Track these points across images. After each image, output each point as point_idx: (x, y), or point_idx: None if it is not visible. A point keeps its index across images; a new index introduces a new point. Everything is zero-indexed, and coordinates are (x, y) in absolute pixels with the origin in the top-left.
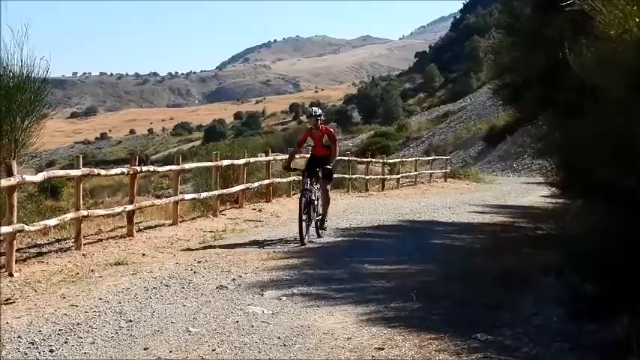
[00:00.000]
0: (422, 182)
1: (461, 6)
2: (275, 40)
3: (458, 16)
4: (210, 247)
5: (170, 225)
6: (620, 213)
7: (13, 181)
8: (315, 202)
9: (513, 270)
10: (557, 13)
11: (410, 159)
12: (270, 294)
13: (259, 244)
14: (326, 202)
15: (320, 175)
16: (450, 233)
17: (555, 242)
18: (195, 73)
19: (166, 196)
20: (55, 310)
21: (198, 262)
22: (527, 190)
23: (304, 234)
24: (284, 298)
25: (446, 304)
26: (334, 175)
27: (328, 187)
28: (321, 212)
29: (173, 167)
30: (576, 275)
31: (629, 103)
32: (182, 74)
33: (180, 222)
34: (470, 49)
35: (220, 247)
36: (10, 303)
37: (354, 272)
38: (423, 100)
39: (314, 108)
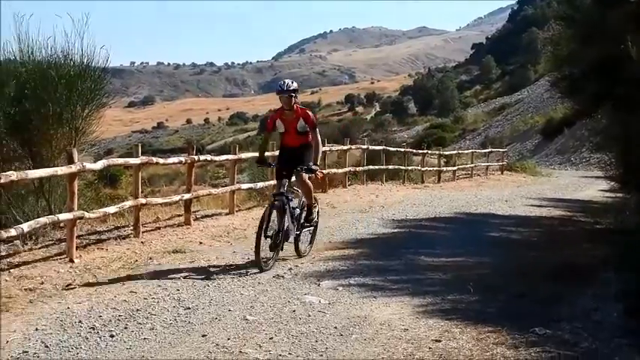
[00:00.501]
0: (478, 175)
1: None
2: (331, 31)
3: (515, 8)
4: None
5: (227, 214)
6: None
7: (74, 168)
8: (297, 212)
9: (571, 264)
10: (618, 5)
11: (466, 151)
12: (326, 284)
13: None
14: (307, 190)
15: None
16: (506, 226)
17: (614, 237)
18: (251, 63)
19: (222, 186)
20: (115, 297)
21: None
22: (585, 183)
23: (269, 255)
24: (340, 289)
25: (503, 297)
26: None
27: (306, 177)
28: (305, 205)
29: (230, 157)
30: (634, 271)
31: None
32: (238, 64)
33: (236, 211)
34: (527, 41)
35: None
36: (71, 288)
37: (410, 264)
38: (479, 92)
39: (286, 80)
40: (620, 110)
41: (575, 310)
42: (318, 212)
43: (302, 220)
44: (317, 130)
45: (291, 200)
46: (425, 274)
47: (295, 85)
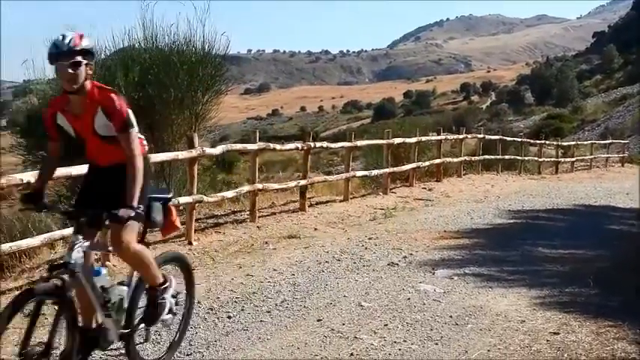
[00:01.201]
0: (597, 166)
1: None
2: (447, 19)
3: None
4: (381, 224)
5: (341, 201)
6: None
7: (194, 153)
8: (122, 292)
9: None
10: None
11: (585, 142)
12: (441, 273)
13: None
14: (137, 262)
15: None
16: (627, 219)
17: None
18: (366, 51)
19: (336, 173)
20: (232, 279)
21: (369, 239)
22: None
23: None
24: (455, 278)
25: (624, 291)
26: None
27: (129, 236)
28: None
29: (345, 144)
30: None
31: None
32: (353, 52)
33: (350, 198)
34: None
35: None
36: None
37: (526, 255)
38: (599, 81)
39: (66, 33)
40: None
41: None
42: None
43: (134, 311)
44: (133, 132)
45: (101, 271)
46: (542, 265)
47: (87, 42)
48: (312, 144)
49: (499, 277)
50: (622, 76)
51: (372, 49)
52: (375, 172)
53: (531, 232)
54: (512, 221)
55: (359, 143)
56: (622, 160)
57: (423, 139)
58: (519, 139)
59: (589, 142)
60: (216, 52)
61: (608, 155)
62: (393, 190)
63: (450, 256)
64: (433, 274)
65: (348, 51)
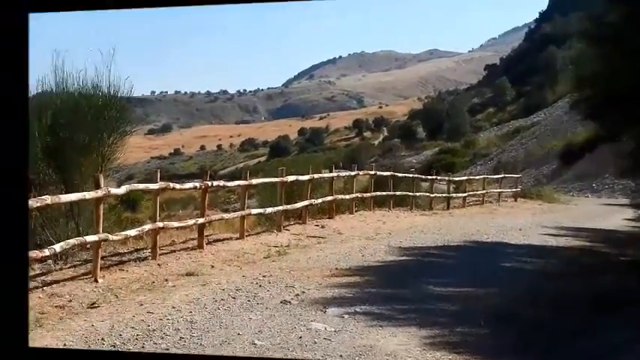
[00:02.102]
0: (490, 201)
1: (536, 15)
2: (340, 57)
3: (533, 26)
4: (275, 261)
5: (237, 239)
6: None
7: (100, 193)
8: None
9: (596, 296)
10: None
11: (477, 177)
12: (332, 311)
13: None
14: None
15: None
16: (520, 256)
17: None
18: (262, 90)
19: (233, 211)
20: (134, 316)
21: (264, 276)
22: (608, 212)
23: None
24: (346, 316)
25: (515, 329)
26: None
27: None
28: None
29: (241, 183)
30: None
31: None
32: (250, 92)
33: (246, 236)
34: (545, 61)
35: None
36: (95, 307)
37: (417, 293)
38: (492, 115)
39: None
40: None
41: (597, 343)
42: None
43: None
44: None
45: None
46: (433, 304)
47: None
48: (209, 183)
49: (390, 316)
50: (515, 108)
51: (268, 88)
52: (269, 209)
53: (422, 269)
54: (403, 258)
55: (254, 182)
56: (515, 195)
57: (316, 176)
58: (411, 175)
59: (481, 176)
60: (121, 95)
61: (500, 190)
62: (287, 228)
63: (342, 294)
64: (324, 312)
65: (245, 90)
